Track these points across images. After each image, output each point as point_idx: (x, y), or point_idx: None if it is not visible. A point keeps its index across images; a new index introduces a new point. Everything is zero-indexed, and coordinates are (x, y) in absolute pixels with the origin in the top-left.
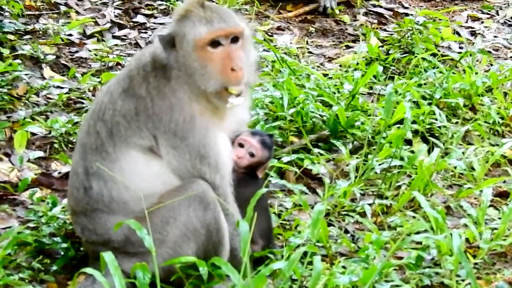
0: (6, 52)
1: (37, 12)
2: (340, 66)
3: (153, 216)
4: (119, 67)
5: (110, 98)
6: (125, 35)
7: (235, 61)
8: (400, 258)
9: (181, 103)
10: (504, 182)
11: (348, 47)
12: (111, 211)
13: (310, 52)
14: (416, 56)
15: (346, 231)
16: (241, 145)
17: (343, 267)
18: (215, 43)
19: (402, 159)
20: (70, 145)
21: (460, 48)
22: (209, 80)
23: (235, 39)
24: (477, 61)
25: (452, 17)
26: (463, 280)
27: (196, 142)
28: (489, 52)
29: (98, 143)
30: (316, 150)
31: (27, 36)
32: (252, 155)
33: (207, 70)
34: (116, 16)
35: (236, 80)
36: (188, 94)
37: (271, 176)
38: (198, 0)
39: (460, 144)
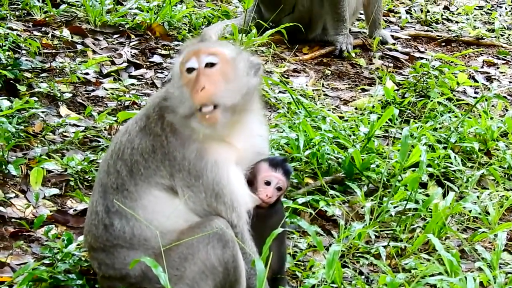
0: (23, 89)
1: (54, 51)
2: (356, 108)
3: (172, 253)
4: (135, 106)
5: (128, 137)
6: (141, 75)
7: (199, 82)
8: None
9: (190, 137)
10: None
11: (363, 90)
12: (132, 246)
13: (325, 95)
14: (431, 100)
15: (361, 273)
16: (268, 183)
17: None
18: (189, 69)
19: (417, 202)
20: (85, 183)
21: (476, 93)
22: (183, 103)
23: (210, 65)
24: (493, 106)
25: (468, 62)
26: None
27: (210, 180)
28: (505, 97)
29: (119, 182)
30: (331, 192)
31: (44, 74)
32: (279, 189)
33: (183, 94)
34: (132, 56)
35: (197, 100)
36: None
37: (286, 217)
38: (201, 36)
39: (475, 188)
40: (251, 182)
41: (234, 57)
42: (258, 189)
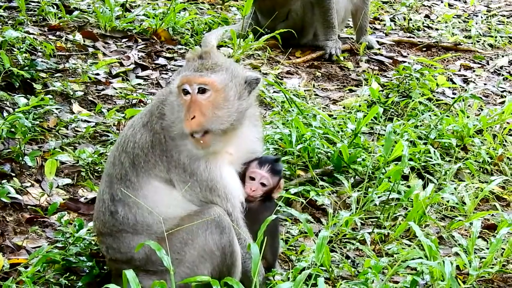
0: (38, 88)
1: (67, 53)
2: (344, 107)
3: (173, 238)
4: (142, 104)
5: (132, 132)
6: (147, 76)
7: (190, 110)
8: (396, 282)
9: (185, 142)
10: (492, 215)
11: (351, 90)
12: (135, 232)
13: (316, 95)
14: (413, 100)
15: (347, 257)
16: (252, 178)
17: None
18: (185, 91)
19: (399, 192)
20: (96, 174)
21: (454, 93)
22: (179, 122)
23: (202, 90)
24: (469, 105)
25: (447, 65)
26: None
27: (204, 178)
28: (480, 97)
29: (122, 173)
30: (321, 183)
31: (58, 74)
32: (264, 184)
33: (179, 113)
34: (139, 58)
35: (188, 127)
36: None
37: (280, 206)
38: (201, 52)
39: (452, 181)
40: (243, 178)
41: (225, 85)
42: (245, 184)
